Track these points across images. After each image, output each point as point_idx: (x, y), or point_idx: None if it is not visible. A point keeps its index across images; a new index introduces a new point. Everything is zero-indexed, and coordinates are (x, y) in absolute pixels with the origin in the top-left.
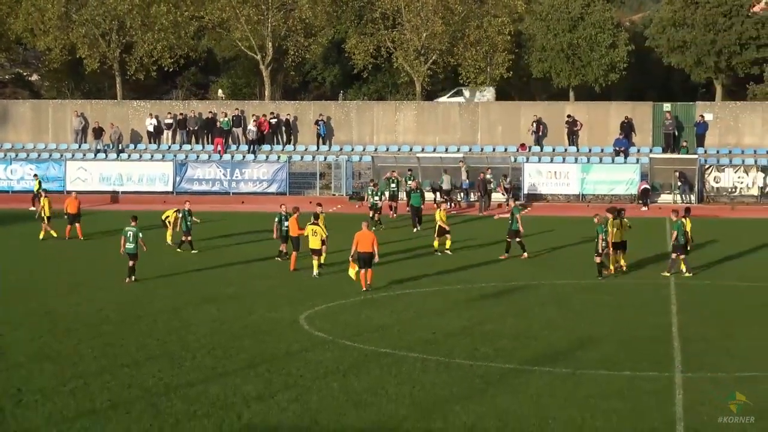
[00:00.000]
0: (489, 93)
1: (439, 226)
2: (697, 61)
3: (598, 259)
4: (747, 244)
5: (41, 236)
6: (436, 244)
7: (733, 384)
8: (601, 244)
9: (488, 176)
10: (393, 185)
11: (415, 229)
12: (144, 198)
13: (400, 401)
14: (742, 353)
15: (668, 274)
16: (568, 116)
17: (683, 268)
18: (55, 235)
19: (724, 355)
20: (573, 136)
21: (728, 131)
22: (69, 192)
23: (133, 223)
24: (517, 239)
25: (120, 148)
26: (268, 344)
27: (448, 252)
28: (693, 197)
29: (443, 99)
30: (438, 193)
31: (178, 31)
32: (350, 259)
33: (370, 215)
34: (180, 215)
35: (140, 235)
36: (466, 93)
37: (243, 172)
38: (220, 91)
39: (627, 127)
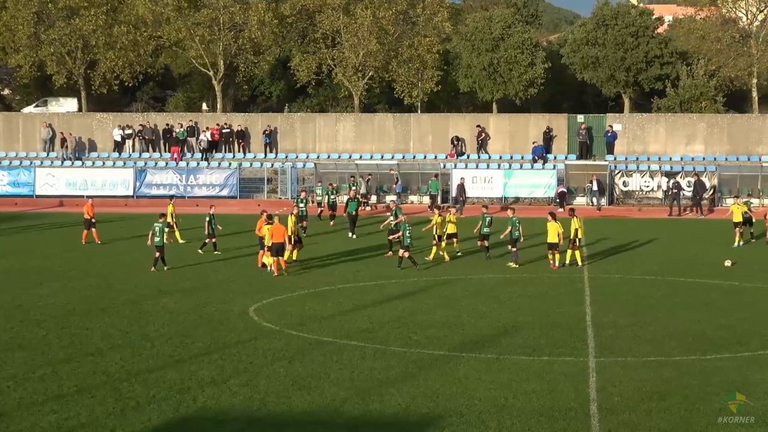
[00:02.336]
0: (71, 104)
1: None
2: (608, 77)
3: (405, 253)
4: (653, 242)
5: None
6: (457, 246)
7: (642, 368)
8: (406, 239)
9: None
10: (332, 196)
11: (350, 234)
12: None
13: (341, 385)
14: (649, 339)
15: (516, 266)
16: (478, 126)
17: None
18: None
19: (634, 341)
20: (480, 146)
21: (635, 140)
22: (88, 197)
23: (161, 220)
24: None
25: (78, 155)
26: (221, 334)
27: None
28: (604, 200)
29: (28, 109)
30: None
31: (138, 49)
32: (266, 249)
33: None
34: (206, 219)
35: (166, 230)
36: (52, 103)
37: (197, 178)
38: (204, 105)
39: (548, 136)
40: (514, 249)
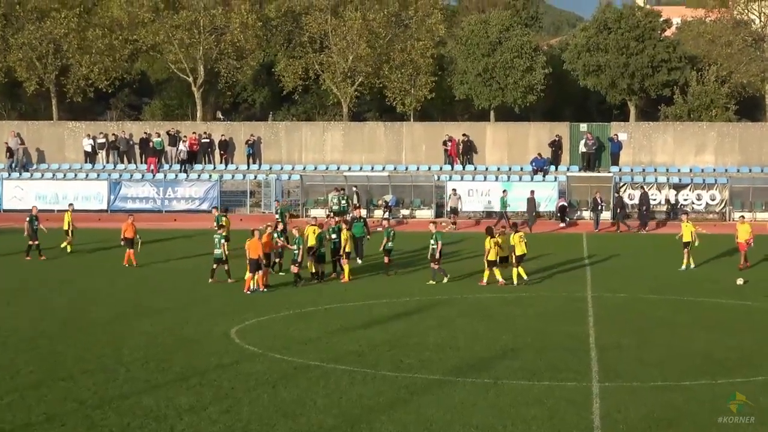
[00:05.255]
0: None
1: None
2: (611, 83)
3: (294, 269)
4: (660, 259)
5: None
6: (519, 272)
7: (648, 393)
8: (300, 253)
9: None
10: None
11: (357, 260)
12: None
13: (328, 411)
14: (656, 362)
15: (433, 282)
16: (446, 135)
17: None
18: None
19: (640, 364)
20: (449, 156)
21: (641, 150)
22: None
23: (219, 231)
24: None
25: (25, 167)
26: (200, 357)
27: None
28: (608, 214)
29: None
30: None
31: (113, 53)
32: (247, 263)
33: None
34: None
35: (223, 241)
36: None
37: (175, 191)
38: (219, 113)
39: (556, 146)
40: (435, 266)
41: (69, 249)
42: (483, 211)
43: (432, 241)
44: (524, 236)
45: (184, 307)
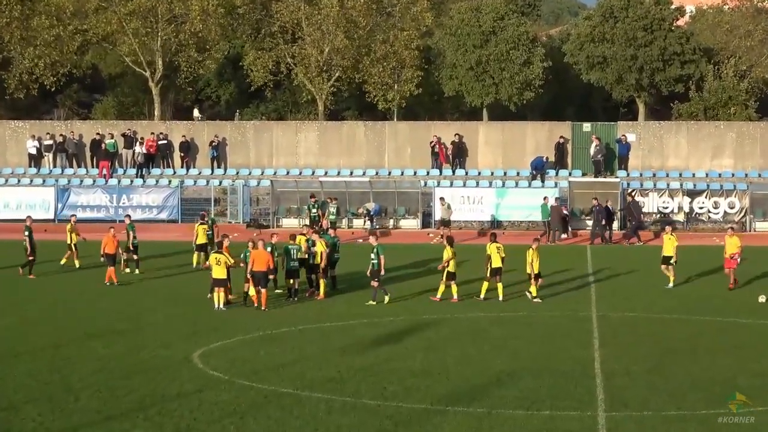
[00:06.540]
0: None
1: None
2: (618, 78)
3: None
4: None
5: None
6: (534, 290)
7: (660, 424)
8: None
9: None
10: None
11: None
12: None
13: None
14: (669, 389)
15: (374, 303)
16: (435, 137)
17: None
18: None
19: (651, 392)
20: (436, 159)
21: (652, 153)
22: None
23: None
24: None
25: None
26: (159, 384)
27: (530, 295)
28: (616, 225)
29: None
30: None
31: (61, 46)
32: (248, 276)
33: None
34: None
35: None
36: None
37: (131, 198)
38: (196, 110)
39: (561, 149)
40: (375, 283)
41: (77, 264)
42: (488, 222)
43: (372, 255)
44: (502, 248)
45: (141, 328)
